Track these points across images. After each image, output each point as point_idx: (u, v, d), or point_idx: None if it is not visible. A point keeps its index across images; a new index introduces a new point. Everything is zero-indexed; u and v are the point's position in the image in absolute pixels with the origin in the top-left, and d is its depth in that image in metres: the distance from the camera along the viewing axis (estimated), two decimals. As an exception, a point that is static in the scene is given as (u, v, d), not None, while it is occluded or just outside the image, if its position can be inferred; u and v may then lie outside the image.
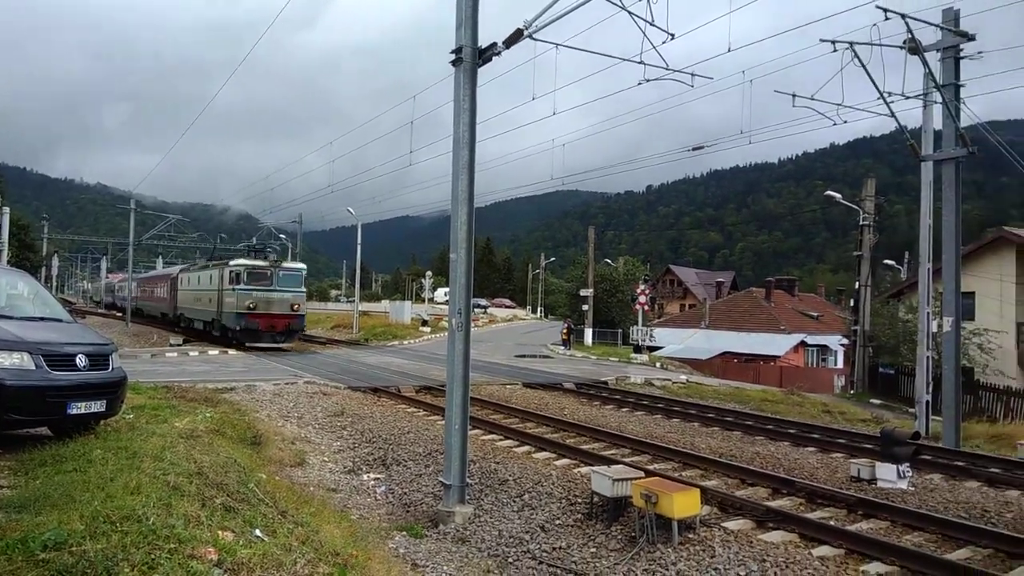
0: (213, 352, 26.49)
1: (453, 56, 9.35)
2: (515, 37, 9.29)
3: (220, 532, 5.00)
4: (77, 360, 8.07)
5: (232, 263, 29.26)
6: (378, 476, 10.95)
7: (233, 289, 28.28)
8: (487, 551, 8.03)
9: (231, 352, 27.05)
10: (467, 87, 9.28)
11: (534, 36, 9.28)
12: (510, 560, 7.74)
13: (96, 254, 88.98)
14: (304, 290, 30.44)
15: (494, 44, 9.34)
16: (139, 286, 51.21)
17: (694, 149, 19.66)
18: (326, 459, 11.67)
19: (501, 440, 12.54)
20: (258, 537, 5.22)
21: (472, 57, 9.29)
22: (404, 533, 8.50)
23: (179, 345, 30.10)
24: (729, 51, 11.94)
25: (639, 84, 11.59)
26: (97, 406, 8.18)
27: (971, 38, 14.42)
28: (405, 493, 10.15)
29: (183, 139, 34.57)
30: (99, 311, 63.61)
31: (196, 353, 26.05)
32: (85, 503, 5.14)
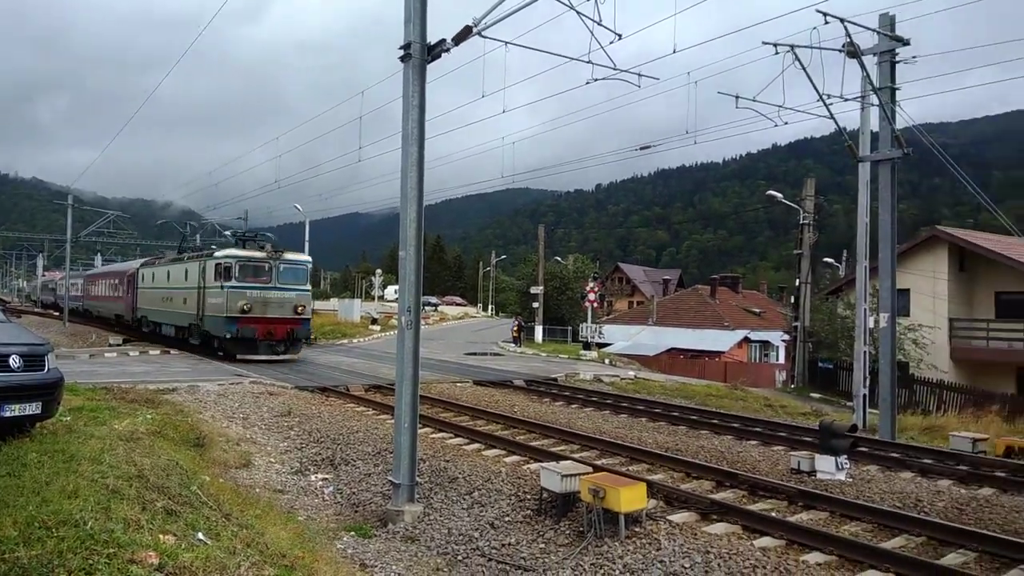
0: (154, 352, 25.68)
1: (402, 52, 9.30)
2: (464, 34, 9.28)
3: (161, 536, 4.90)
4: (10, 361, 7.79)
5: (219, 254, 23.69)
6: (326, 476, 10.83)
7: (221, 287, 22.74)
8: (436, 549, 8.03)
9: (173, 352, 26.01)
10: (416, 83, 9.24)
11: (483, 34, 9.28)
12: (459, 558, 7.75)
13: (32, 251, 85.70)
14: (309, 288, 24.99)
15: (443, 41, 9.32)
16: (86, 284, 46.85)
17: (641, 148, 19.96)
18: (272, 460, 11.49)
19: (451, 438, 12.53)
20: (201, 540, 5.12)
21: (421, 53, 9.25)
22: (352, 533, 8.44)
23: (119, 345, 28.68)
24: (675, 52, 12.16)
25: (587, 83, 11.72)
26: (32, 408, 7.91)
27: (906, 43, 14.94)
28: (354, 493, 10.07)
29: (124, 133, 32.44)
30: (35, 310, 61.37)
31: (136, 353, 25.29)
32: (19, 508, 4.97)
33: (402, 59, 9.33)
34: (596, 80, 11.54)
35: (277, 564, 5.01)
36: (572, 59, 11.00)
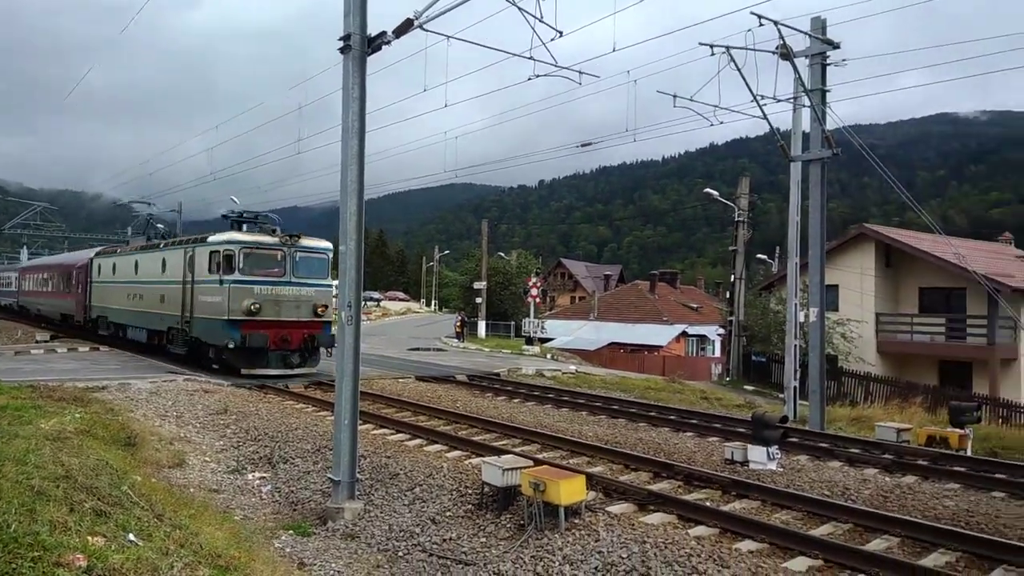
0: (84, 349, 24.68)
1: (341, 44, 9.19)
2: (405, 27, 9.23)
3: (90, 538, 4.76)
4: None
5: (216, 239, 18.65)
6: (264, 475, 10.65)
7: (220, 282, 17.90)
8: (377, 546, 8.00)
9: (103, 348, 24.81)
10: (356, 75, 9.15)
11: (424, 27, 9.25)
12: (400, 554, 7.74)
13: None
14: (332, 283, 19.00)
15: (383, 33, 9.25)
16: (22, 278, 41.13)
17: (583, 145, 20.19)
18: (208, 459, 11.23)
19: (393, 434, 12.47)
20: (132, 542, 4.99)
21: (361, 45, 9.17)
22: (291, 532, 8.33)
23: (46, 341, 27.33)
24: (614, 50, 12.32)
25: (529, 80, 11.79)
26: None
27: (836, 46, 15.48)
28: (292, 491, 9.93)
29: (51, 122, 30.82)
30: None
31: (65, 350, 24.29)
32: (-65, 513, 4.76)
33: (342, 51, 9.22)
34: (538, 76, 11.63)
35: (212, 564, 4.93)
36: (514, 55, 11.05)
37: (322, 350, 18.88)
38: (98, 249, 30.61)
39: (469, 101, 16.07)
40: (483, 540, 7.70)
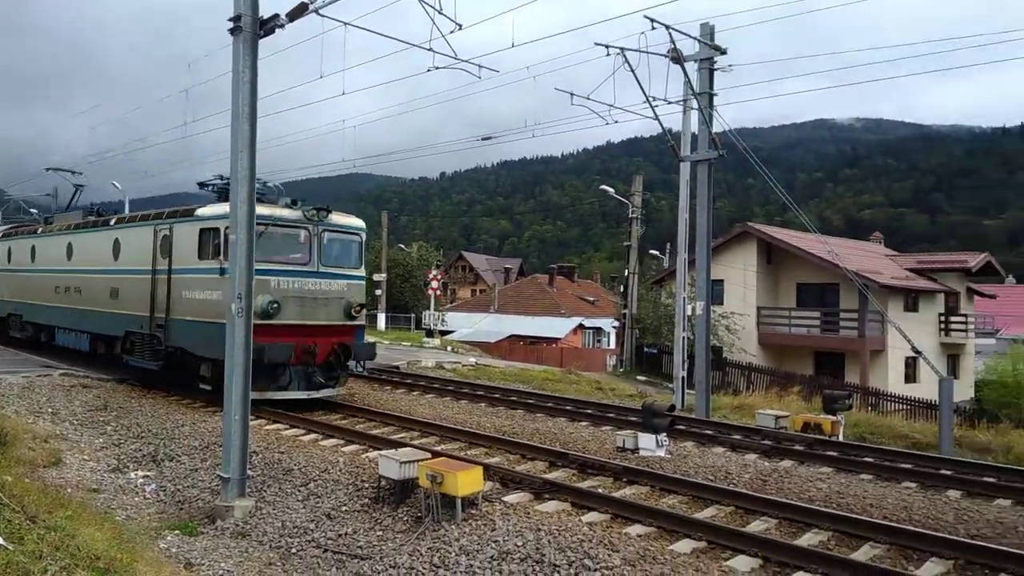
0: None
1: (232, 24, 8.88)
2: (299, 10, 9.03)
3: (-48, 544, 4.44)
4: None
5: (210, 212, 13.79)
6: (148, 473, 10.20)
7: (221, 271, 12.64)
8: (269, 543, 7.84)
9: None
10: (247, 58, 8.86)
11: (320, 12, 9.08)
12: (293, 551, 7.61)
13: None
14: (364, 274, 15.18)
15: (276, 15, 9.00)
16: None
17: (484, 139, 20.29)
18: (86, 457, 10.64)
19: (287, 429, 12.18)
20: (1, 545, 4.69)
21: (252, 27, 8.88)
22: (177, 532, 8.04)
23: None
24: (513, 46, 12.46)
25: (428, 71, 11.76)
26: None
27: (723, 52, 16.23)
28: (179, 490, 9.56)
29: None
30: None
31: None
32: None
33: (232, 32, 8.91)
34: (437, 68, 11.63)
35: (90, 567, 4.71)
36: (413, 46, 11.00)
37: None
38: (3, 229, 24.88)
39: (369, 90, 15.85)
40: (380, 534, 7.68)
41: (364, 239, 15.19)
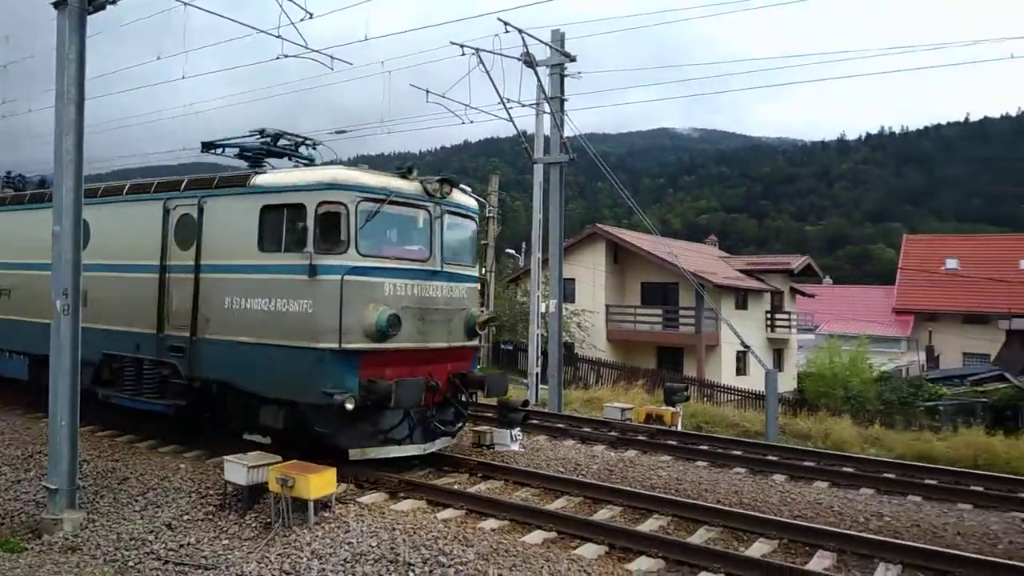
0: None
1: (57, -2, 8.16)
2: (136, -13, 8.44)
3: None
4: None
5: (286, 179, 9.56)
6: (-46, 490, 9.16)
7: (311, 269, 8.65)
8: (103, 557, 7.31)
9: None
10: (74, 35, 8.19)
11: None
12: (131, 564, 7.15)
13: None
14: (477, 274, 11.64)
15: (107, -12, 8.37)
16: None
17: (337, 132, 19.79)
18: None
19: (121, 435, 11.33)
20: None
21: (80, 1, 8.20)
22: (-6, 550, 7.30)
23: None
24: (366, 39, 12.28)
25: (277, 59, 11.37)
26: None
27: (573, 59, 16.81)
28: (-5, 505, 8.68)
29: None
30: None
31: None
32: None
33: (56, 5, 8.21)
34: (287, 57, 11.26)
35: None
36: (260, 31, 10.59)
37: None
38: None
39: (215, 74, 15.03)
40: (225, 542, 7.35)
41: (478, 226, 11.18)
